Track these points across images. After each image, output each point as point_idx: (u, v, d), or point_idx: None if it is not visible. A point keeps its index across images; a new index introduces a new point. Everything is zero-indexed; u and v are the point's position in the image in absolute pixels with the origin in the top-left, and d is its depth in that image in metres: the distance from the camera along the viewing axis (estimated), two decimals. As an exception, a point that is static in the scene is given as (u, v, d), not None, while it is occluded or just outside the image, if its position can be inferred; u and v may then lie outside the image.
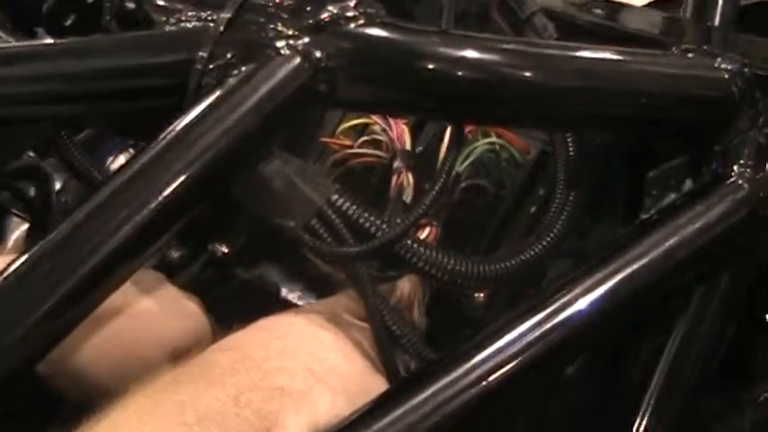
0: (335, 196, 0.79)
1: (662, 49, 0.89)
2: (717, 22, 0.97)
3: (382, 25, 0.78)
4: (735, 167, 0.84)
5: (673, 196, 0.86)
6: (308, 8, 0.78)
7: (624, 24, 1.05)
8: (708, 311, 0.85)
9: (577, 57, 0.82)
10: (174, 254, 1.05)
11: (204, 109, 0.75)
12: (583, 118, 0.84)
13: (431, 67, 0.77)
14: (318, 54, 0.76)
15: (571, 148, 0.88)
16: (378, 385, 0.77)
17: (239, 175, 0.77)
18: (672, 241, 0.81)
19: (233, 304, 1.04)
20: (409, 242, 0.79)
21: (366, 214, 0.78)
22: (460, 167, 0.93)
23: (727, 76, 0.85)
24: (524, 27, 0.94)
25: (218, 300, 0.96)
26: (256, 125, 0.75)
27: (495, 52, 0.79)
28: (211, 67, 0.77)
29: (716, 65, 0.85)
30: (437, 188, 0.80)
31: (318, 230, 0.78)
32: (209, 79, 0.78)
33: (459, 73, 0.77)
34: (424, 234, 0.89)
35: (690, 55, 0.87)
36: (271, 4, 0.80)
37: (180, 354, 0.81)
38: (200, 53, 0.77)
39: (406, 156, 0.95)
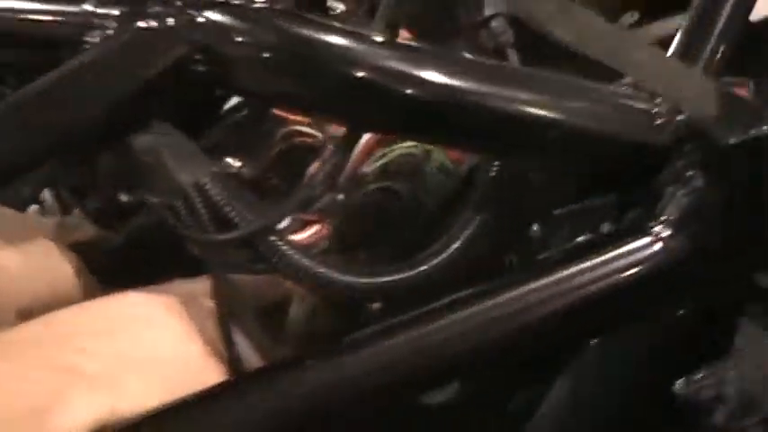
0: (207, 180, 0.75)
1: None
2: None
3: (280, 14, 0.73)
4: (653, 223, 0.77)
5: (581, 238, 0.80)
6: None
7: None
8: (592, 369, 0.79)
9: (495, 76, 0.76)
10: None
11: (74, 66, 0.72)
12: (488, 139, 0.77)
13: (323, 63, 0.72)
14: (200, 33, 0.72)
15: (491, 171, 0.82)
16: (214, 375, 0.74)
17: (101, 139, 0.74)
18: (558, 288, 0.75)
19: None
20: (272, 239, 0.75)
21: (234, 203, 0.74)
22: (369, 168, 0.88)
23: (660, 121, 0.77)
24: (479, 30, 0.88)
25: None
26: (120, 93, 0.72)
27: (399, 58, 0.73)
28: (94, 22, 0.74)
29: (653, 108, 0.78)
30: (308, 187, 0.75)
31: (180, 213, 0.74)
32: (90, 38, 0.74)
33: (357, 74, 0.72)
34: (308, 233, 0.84)
35: (629, 91, 0.79)
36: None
37: (30, 314, 0.79)
38: (85, 6, 0.74)
39: (333, 142, 0.90)
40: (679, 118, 0.77)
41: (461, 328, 0.74)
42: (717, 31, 0.96)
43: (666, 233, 0.76)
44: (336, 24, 0.74)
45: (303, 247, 0.79)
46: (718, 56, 0.94)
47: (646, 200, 0.79)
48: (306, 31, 0.72)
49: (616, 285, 0.76)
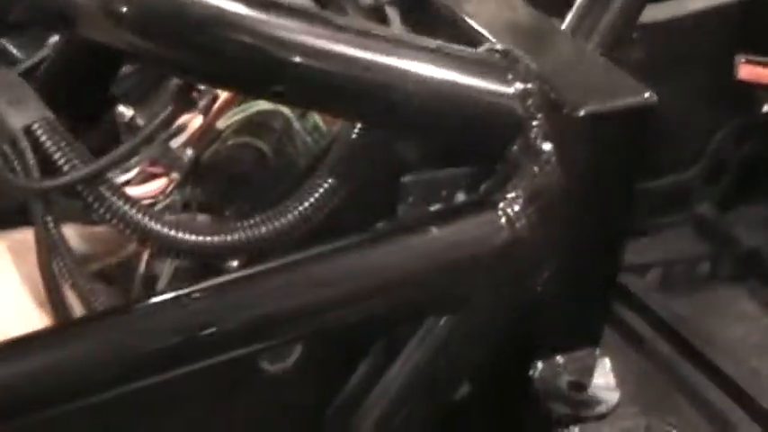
0: (37, 124, 0.72)
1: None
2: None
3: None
4: (503, 196, 0.74)
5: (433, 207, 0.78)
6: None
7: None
8: (437, 341, 0.77)
9: (364, 45, 0.73)
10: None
11: None
12: (346, 105, 0.75)
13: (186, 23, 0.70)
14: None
15: (351, 136, 0.79)
16: (34, 323, 0.73)
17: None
18: (391, 258, 0.73)
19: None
20: (102, 190, 0.71)
21: (65, 149, 0.71)
22: (223, 124, 0.85)
23: (512, 91, 0.75)
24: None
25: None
26: None
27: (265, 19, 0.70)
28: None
29: (507, 76, 0.75)
30: (137, 137, 0.73)
31: (8, 157, 0.71)
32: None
33: (218, 34, 0.70)
34: (152, 186, 0.81)
35: (487, 59, 0.77)
36: None
37: None
38: None
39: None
40: (534, 86, 0.75)
41: (288, 291, 0.72)
42: (612, 7, 0.94)
43: (512, 209, 0.74)
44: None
45: (141, 201, 0.76)
46: (610, 31, 0.93)
47: (498, 171, 0.77)
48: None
49: (455, 261, 0.75)
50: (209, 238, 0.73)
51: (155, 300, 0.73)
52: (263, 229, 0.75)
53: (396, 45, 0.75)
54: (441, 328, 0.77)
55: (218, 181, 0.84)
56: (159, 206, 0.80)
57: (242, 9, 0.70)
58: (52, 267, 0.73)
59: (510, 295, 0.78)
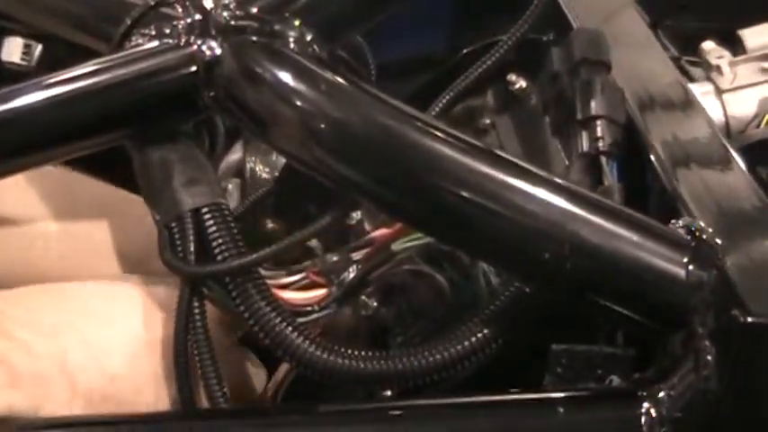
0: (207, 209, 0.74)
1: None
2: None
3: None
4: (651, 392, 0.67)
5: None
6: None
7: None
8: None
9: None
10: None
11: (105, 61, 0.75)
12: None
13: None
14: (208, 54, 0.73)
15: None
16: (155, 400, 0.75)
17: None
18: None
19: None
20: (248, 287, 0.72)
21: (224, 238, 0.73)
22: (398, 247, 0.81)
23: (685, 276, 0.66)
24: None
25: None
26: (125, 96, 0.74)
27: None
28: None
29: (684, 258, 0.68)
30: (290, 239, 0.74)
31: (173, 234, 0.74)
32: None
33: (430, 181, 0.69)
34: (309, 294, 0.79)
35: (668, 232, 0.70)
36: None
37: None
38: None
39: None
40: (712, 277, 0.67)
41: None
42: None
43: (657, 410, 0.66)
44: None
45: (292, 306, 0.76)
46: None
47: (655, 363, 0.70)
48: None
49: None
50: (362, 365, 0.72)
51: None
52: (417, 363, 0.72)
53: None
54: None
55: (386, 305, 0.83)
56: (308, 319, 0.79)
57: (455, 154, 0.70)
58: (187, 350, 0.74)
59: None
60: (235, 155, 1.01)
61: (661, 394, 0.67)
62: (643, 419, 0.66)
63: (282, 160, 0.96)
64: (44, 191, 0.90)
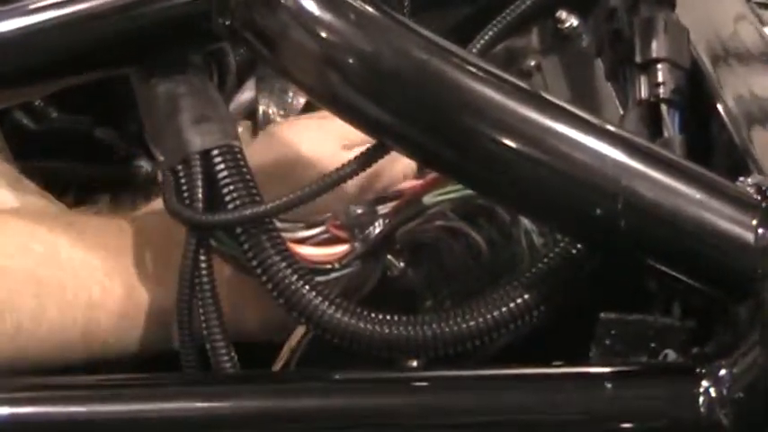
0: (217, 151, 0.67)
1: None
2: None
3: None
4: (712, 369, 0.60)
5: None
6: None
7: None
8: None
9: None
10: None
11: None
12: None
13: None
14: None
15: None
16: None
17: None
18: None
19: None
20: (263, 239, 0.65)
21: (236, 184, 0.66)
22: (432, 199, 0.74)
23: (752, 240, 0.60)
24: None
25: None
26: (131, 21, 0.68)
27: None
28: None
29: (754, 214, 0.61)
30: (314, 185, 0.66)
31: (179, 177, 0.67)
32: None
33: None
34: (329, 250, 0.72)
35: (736, 191, 0.63)
36: None
37: None
38: None
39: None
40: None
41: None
42: None
43: (718, 389, 0.60)
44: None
45: (310, 263, 0.69)
46: None
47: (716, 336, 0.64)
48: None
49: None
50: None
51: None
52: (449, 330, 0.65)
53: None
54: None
55: (415, 265, 0.76)
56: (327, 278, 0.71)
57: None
58: (192, 310, 0.68)
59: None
60: (246, 94, 0.96)
61: (722, 372, 0.60)
62: (701, 399, 0.60)
63: (299, 101, 0.90)
64: None
